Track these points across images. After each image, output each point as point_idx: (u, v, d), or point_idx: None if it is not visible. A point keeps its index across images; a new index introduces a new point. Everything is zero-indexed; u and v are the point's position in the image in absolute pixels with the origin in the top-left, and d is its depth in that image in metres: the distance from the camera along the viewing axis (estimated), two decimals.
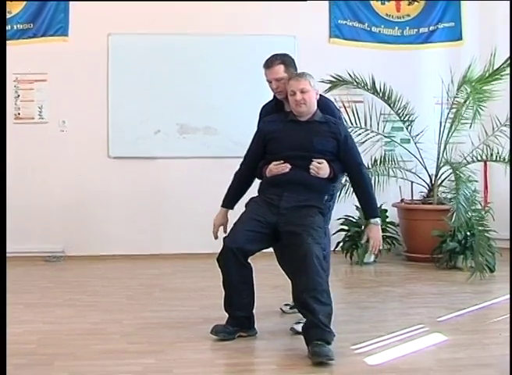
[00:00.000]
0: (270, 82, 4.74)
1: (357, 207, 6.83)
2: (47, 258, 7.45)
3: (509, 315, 4.86)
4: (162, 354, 4.16)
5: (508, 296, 5.43)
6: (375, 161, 7.68)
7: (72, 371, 3.82)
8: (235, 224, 4.52)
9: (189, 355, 4.18)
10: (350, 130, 6.10)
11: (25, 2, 7.54)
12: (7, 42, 6.48)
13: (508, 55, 7.27)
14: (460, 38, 8.16)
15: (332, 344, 4.03)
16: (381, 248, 4.66)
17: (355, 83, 7.81)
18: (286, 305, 5.11)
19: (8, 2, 7.18)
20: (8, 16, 7.33)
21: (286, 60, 4.74)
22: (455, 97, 7.53)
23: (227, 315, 4.47)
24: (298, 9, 7.80)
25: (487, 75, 7.27)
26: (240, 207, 4.71)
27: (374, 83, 7.76)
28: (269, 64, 4.72)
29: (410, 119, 7.78)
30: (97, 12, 7.50)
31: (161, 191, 7.80)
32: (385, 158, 7.78)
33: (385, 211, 7.29)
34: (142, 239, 7.72)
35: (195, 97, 7.68)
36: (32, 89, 7.62)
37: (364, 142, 7.47)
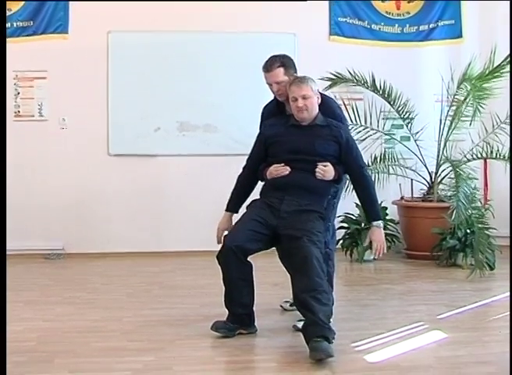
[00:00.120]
0: (270, 85, 4.73)
1: (356, 205, 6.82)
2: (47, 256, 7.45)
3: (509, 312, 4.87)
4: (162, 351, 4.16)
5: (508, 294, 5.44)
6: (375, 158, 7.67)
7: (72, 368, 3.82)
8: (235, 224, 4.57)
9: (189, 352, 4.18)
10: (350, 127, 6.09)
11: None
12: (7, 39, 6.47)
13: (508, 52, 7.26)
14: (460, 36, 8.15)
15: (332, 341, 4.03)
16: (385, 251, 4.63)
17: (355, 81, 7.81)
18: (286, 302, 5.11)
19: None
20: (8, 13, 7.32)
21: (285, 62, 4.71)
22: (455, 94, 7.53)
23: (227, 312, 4.47)
24: (298, 7, 7.78)
25: (487, 72, 7.27)
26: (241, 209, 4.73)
27: (374, 80, 7.76)
28: (268, 68, 4.70)
29: (410, 116, 7.78)
30: (97, 9, 7.48)
31: (161, 188, 7.80)
32: (385, 155, 7.77)
33: (385, 208, 7.29)
34: (142, 237, 7.72)
35: (195, 94, 7.68)
36: (32, 86, 7.62)
37: (364, 140, 7.47)
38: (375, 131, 7.78)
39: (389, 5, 8.12)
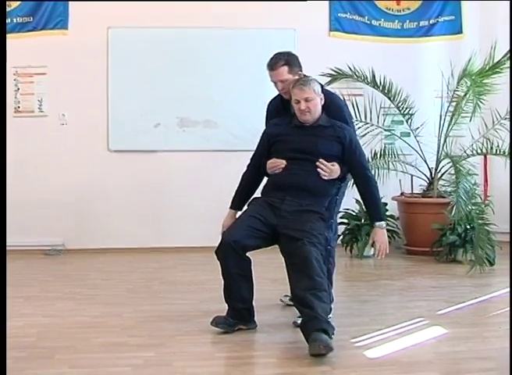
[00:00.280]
0: (275, 83, 4.72)
1: (357, 200, 6.83)
2: (47, 252, 7.45)
3: (509, 308, 4.86)
4: (162, 347, 4.16)
5: (508, 289, 5.45)
6: (375, 154, 7.67)
7: (72, 364, 3.82)
8: (235, 220, 4.58)
9: (189, 348, 4.18)
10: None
11: None
12: (7, 35, 6.46)
13: (508, 48, 7.26)
14: (460, 31, 8.15)
15: (332, 337, 4.03)
16: (387, 252, 4.63)
17: (355, 77, 7.80)
18: (286, 296, 5.10)
19: None
20: (7, 9, 7.30)
21: (289, 60, 4.69)
22: (455, 90, 7.53)
23: (227, 307, 4.48)
24: (298, 3, 7.77)
25: (487, 68, 7.26)
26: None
27: (374, 76, 7.75)
28: (273, 66, 4.68)
29: (410, 112, 7.78)
30: (97, 5, 7.48)
31: (161, 184, 7.80)
32: (385, 151, 7.77)
33: (385, 204, 7.28)
34: (142, 232, 7.73)
35: (195, 90, 7.67)
36: (32, 82, 7.61)
37: (364, 136, 7.46)
38: (374, 127, 7.78)
39: (389, 1, 8.12)
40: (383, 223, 4.64)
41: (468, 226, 6.87)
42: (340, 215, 7.21)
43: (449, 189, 7.29)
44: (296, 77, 4.66)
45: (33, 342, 4.22)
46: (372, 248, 6.71)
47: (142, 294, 5.64)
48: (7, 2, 7.23)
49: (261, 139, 4.78)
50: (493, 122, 7.53)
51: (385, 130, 7.91)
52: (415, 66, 8.08)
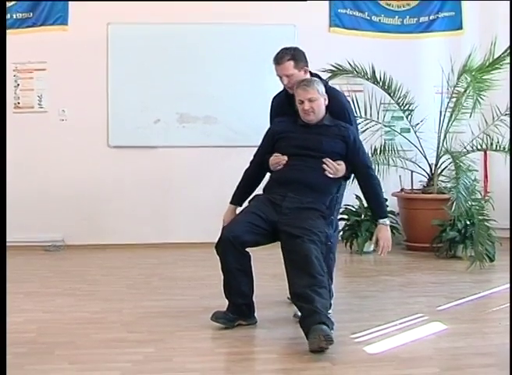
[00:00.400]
0: (280, 77, 4.73)
1: (357, 196, 6.84)
2: (47, 248, 7.45)
3: (508, 304, 4.87)
4: (162, 343, 4.17)
5: (508, 285, 5.45)
6: (375, 150, 7.67)
7: (72, 360, 3.83)
8: (236, 216, 4.59)
9: (189, 343, 4.18)
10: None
11: None
12: (6, 31, 6.46)
13: (508, 44, 7.25)
14: (460, 27, 8.14)
15: (332, 332, 4.04)
16: (389, 249, 4.63)
17: (355, 73, 7.79)
18: None
19: None
20: (7, 5, 7.30)
21: (295, 55, 4.69)
22: (455, 86, 7.52)
23: (227, 302, 4.48)
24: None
25: (487, 64, 7.25)
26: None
27: (374, 72, 7.74)
28: (279, 60, 4.69)
29: (410, 108, 7.77)
30: (97, 1, 7.47)
31: (160, 180, 7.80)
32: (385, 147, 7.76)
33: (385, 200, 7.25)
34: (142, 228, 7.73)
35: (195, 86, 7.67)
36: (31, 78, 7.61)
37: (364, 131, 7.45)
38: (374, 123, 7.78)
39: None
40: (387, 220, 4.66)
41: (468, 222, 6.87)
42: (340, 211, 7.23)
43: (449, 185, 7.29)
44: (302, 72, 4.67)
45: (33, 338, 4.23)
46: (372, 244, 6.71)
47: (142, 289, 5.64)
48: None
49: (265, 136, 4.79)
50: (493, 118, 7.52)
51: (385, 125, 7.90)
52: (415, 61, 8.07)
